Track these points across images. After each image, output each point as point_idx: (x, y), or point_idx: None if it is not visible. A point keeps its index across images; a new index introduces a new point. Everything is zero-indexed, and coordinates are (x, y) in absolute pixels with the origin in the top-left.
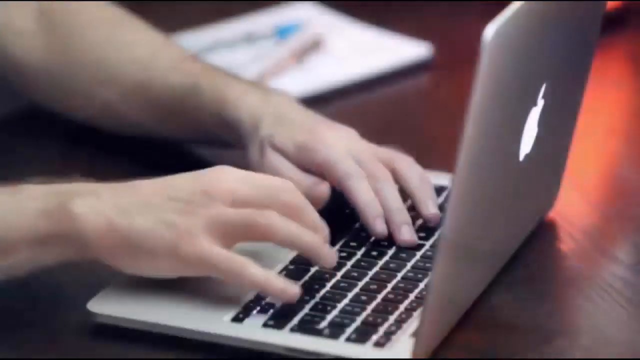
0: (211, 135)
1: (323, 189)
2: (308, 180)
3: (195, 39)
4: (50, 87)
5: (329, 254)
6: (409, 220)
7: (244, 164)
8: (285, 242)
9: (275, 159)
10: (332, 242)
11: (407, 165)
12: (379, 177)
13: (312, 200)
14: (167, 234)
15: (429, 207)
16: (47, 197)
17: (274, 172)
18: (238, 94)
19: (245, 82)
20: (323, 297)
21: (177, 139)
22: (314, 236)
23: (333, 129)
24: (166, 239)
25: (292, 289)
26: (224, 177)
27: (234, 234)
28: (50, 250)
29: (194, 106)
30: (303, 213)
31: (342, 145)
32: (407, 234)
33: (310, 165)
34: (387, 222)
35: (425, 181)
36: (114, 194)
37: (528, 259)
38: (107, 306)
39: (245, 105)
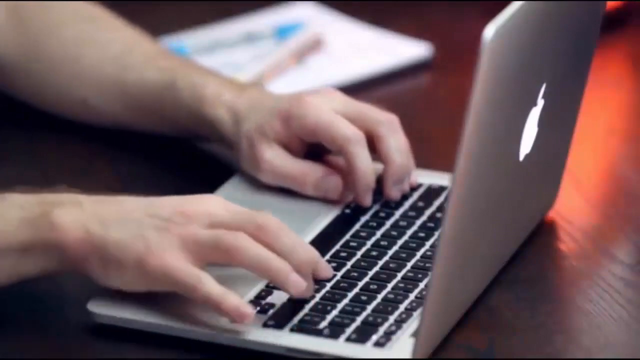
0: (190, 131)
1: (334, 181)
2: (316, 171)
3: (195, 39)
4: (25, 83)
5: (295, 283)
6: (403, 175)
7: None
8: (251, 266)
9: (271, 154)
10: (332, 242)
11: (391, 131)
12: (380, 122)
13: (324, 193)
14: (137, 246)
15: (392, 190)
16: (30, 206)
17: (273, 170)
18: (215, 92)
19: (219, 78)
20: (323, 297)
21: (157, 133)
22: (282, 262)
23: (315, 92)
24: (135, 251)
25: (246, 309)
26: (205, 201)
27: (203, 254)
28: (32, 259)
29: (171, 104)
30: (280, 236)
31: (329, 106)
32: (395, 191)
33: (301, 133)
34: (383, 174)
35: (403, 154)
36: (96, 205)
37: (528, 259)
38: (107, 306)
39: (223, 103)
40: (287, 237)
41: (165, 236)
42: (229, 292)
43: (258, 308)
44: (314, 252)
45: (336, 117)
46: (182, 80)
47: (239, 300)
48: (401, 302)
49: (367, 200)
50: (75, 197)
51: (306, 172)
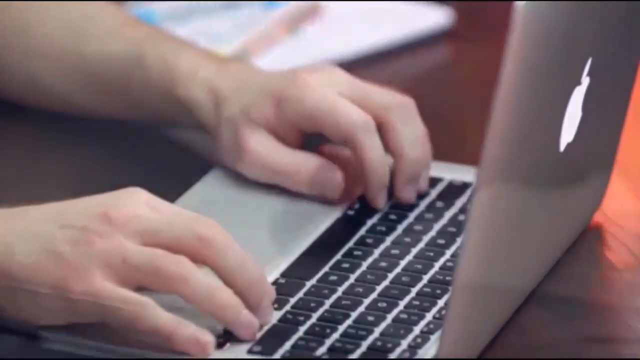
0: (161, 116)
1: (332, 176)
2: (311, 164)
3: (167, 5)
4: None
5: (247, 323)
6: (418, 172)
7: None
8: (195, 299)
9: (257, 144)
10: (332, 250)
11: (404, 118)
12: (389, 108)
13: (321, 190)
14: (54, 268)
15: (403, 190)
16: None
17: (259, 161)
18: (190, 68)
19: (196, 52)
20: (321, 318)
21: (120, 119)
22: (233, 297)
23: (315, 71)
24: (52, 274)
25: (205, 337)
26: (130, 200)
27: (135, 277)
28: None
29: (138, 82)
30: (226, 250)
31: (331, 86)
32: (408, 191)
33: (297, 119)
34: (394, 171)
35: (418, 146)
36: None
37: (569, 271)
38: (62, 330)
39: (201, 82)
40: (235, 251)
41: (86, 252)
42: (180, 320)
43: None
44: (263, 271)
45: (340, 99)
46: (151, 54)
47: (194, 328)
48: (416, 323)
49: (381, 200)
50: None
51: (299, 164)
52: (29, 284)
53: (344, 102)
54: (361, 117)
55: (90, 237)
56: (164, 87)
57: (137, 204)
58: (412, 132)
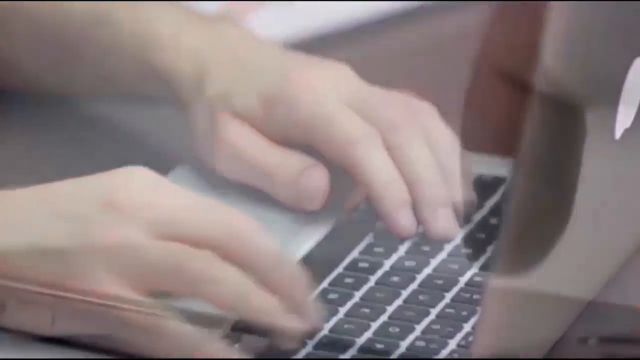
0: (132, 88)
1: (317, 177)
2: (293, 162)
3: None
4: None
5: (290, 330)
6: (448, 198)
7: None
8: (227, 304)
9: (235, 135)
10: (332, 262)
11: (417, 136)
12: (399, 126)
13: (304, 196)
14: (49, 269)
15: (438, 218)
16: None
17: (235, 155)
18: (171, 29)
19: (179, 10)
20: (319, 345)
21: (84, 93)
22: (269, 299)
23: (318, 67)
24: (46, 276)
25: (234, 358)
26: (135, 182)
27: (150, 279)
28: None
29: (105, 46)
30: (260, 247)
31: (333, 90)
32: (444, 220)
33: (286, 125)
34: (413, 202)
35: (435, 164)
36: None
37: (630, 279)
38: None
39: (181, 46)
40: (270, 246)
41: (87, 248)
42: (206, 336)
43: None
44: (300, 268)
45: (340, 108)
46: (122, 12)
47: (222, 346)
48: (437, 352)
49: (403, 221)
50: None
51: (281, 164)
52: (18, 287)
53: (344, 111)
54: (360, 131)
55: (92, 230)
56: (135, 53)
57: (144, 186)
58: (427, 151)
